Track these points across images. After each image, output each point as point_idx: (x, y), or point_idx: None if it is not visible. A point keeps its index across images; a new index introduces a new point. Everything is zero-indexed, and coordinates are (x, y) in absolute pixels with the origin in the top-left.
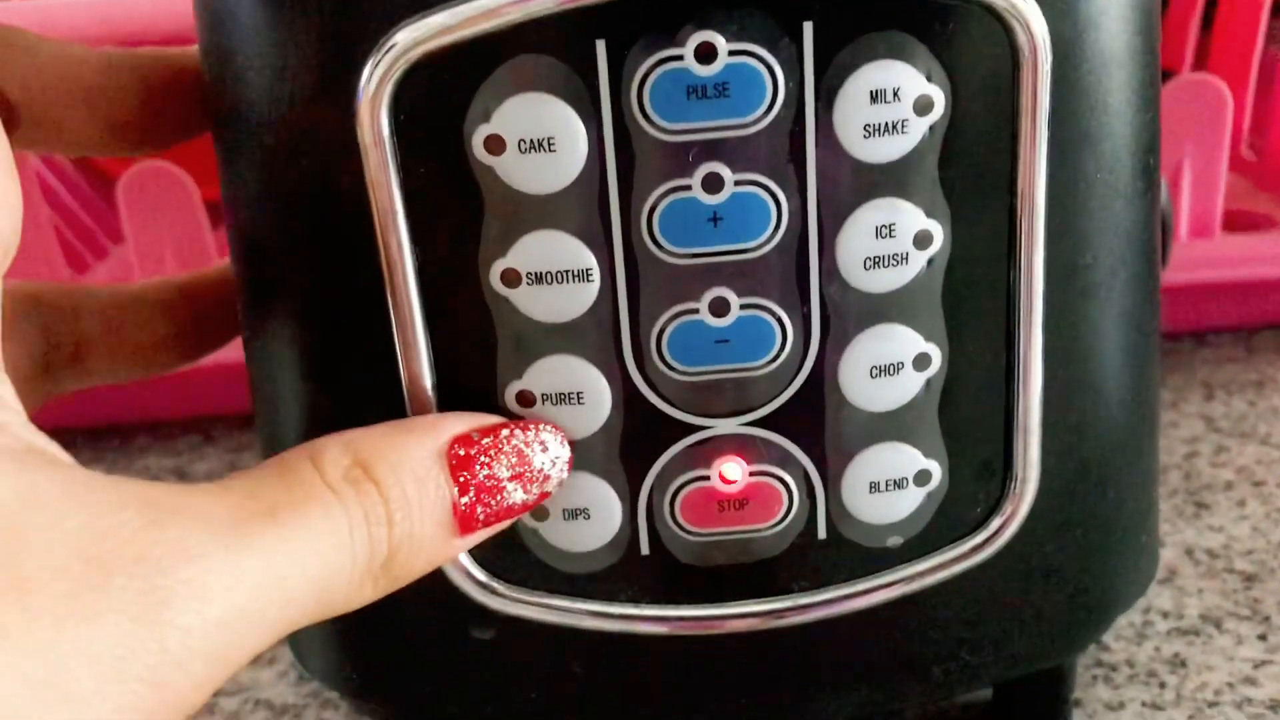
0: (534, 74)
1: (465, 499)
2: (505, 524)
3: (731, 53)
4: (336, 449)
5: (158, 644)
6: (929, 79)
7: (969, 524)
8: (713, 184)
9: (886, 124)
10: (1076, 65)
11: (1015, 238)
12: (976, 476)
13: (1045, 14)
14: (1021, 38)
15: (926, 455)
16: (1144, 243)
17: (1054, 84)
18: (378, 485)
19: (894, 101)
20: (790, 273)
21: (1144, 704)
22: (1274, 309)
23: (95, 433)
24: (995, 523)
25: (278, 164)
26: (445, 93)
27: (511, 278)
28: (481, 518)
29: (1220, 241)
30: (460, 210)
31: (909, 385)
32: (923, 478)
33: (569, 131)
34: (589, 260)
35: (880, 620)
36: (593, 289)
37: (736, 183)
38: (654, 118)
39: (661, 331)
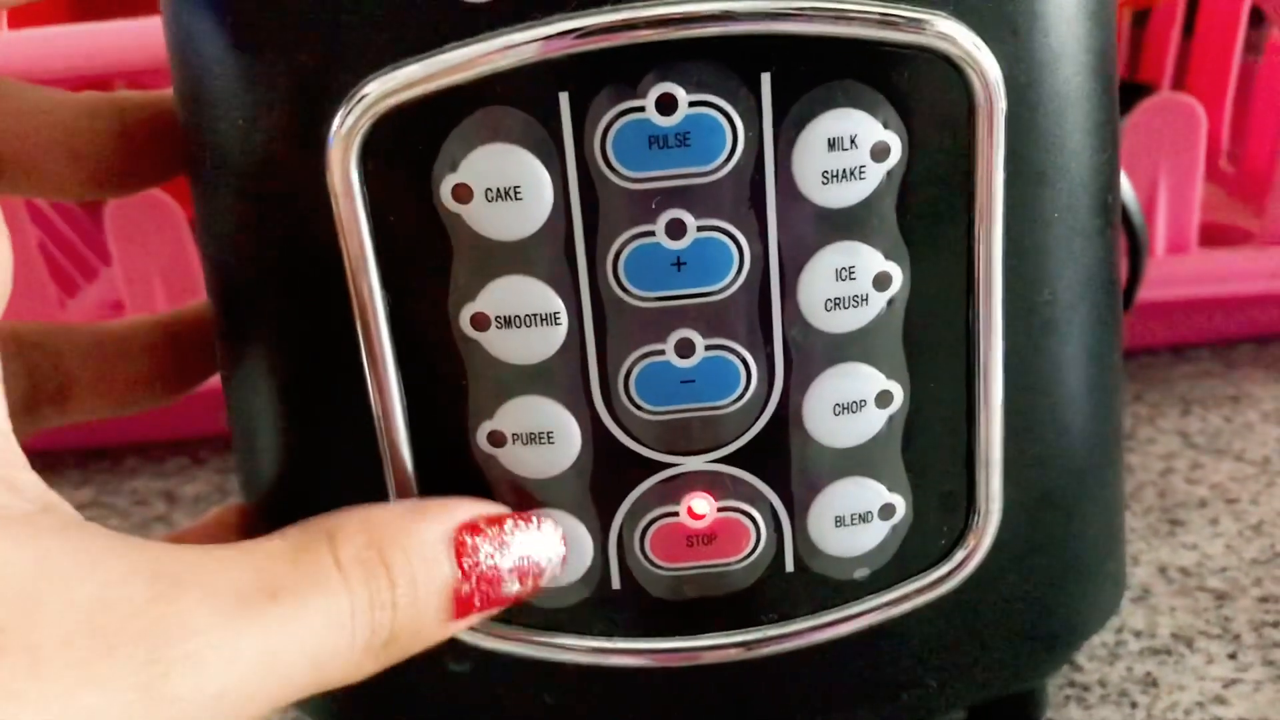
0: (500, 125)
1: (467, 586)
2: (495, 612)
3: (692, 103)
4: (354, 528)
5: (158, 713)
6: (885, 126)
7: (934, 555)
8: (676, 230)
9: (844, 170)
10: (1032, 109)
11: (974, 277)
12: (940, 509)
13: (999, 59)
14: (976, 84)
15: (890, 489)
16: (1104, 278)
17: (1009, 127)
18: (388, 569)
19: (851, 148)
20: (754, 314)
21: None
22: (1250, 323)
23: (84, 455)
24: (960, 554)
25: (249, 210)
26: (414, 142)
27: (481, 321)
28: (478, 605)
29: (1196, 257)
30: (429, 256)
31: (872, 422)
32: (887, 511)
33: (534, 180)
34: (556, 304)
35: (850, 649)
36: (560, 332)
37: (699, 228)
38: (617, 166)
39: (629, 372)
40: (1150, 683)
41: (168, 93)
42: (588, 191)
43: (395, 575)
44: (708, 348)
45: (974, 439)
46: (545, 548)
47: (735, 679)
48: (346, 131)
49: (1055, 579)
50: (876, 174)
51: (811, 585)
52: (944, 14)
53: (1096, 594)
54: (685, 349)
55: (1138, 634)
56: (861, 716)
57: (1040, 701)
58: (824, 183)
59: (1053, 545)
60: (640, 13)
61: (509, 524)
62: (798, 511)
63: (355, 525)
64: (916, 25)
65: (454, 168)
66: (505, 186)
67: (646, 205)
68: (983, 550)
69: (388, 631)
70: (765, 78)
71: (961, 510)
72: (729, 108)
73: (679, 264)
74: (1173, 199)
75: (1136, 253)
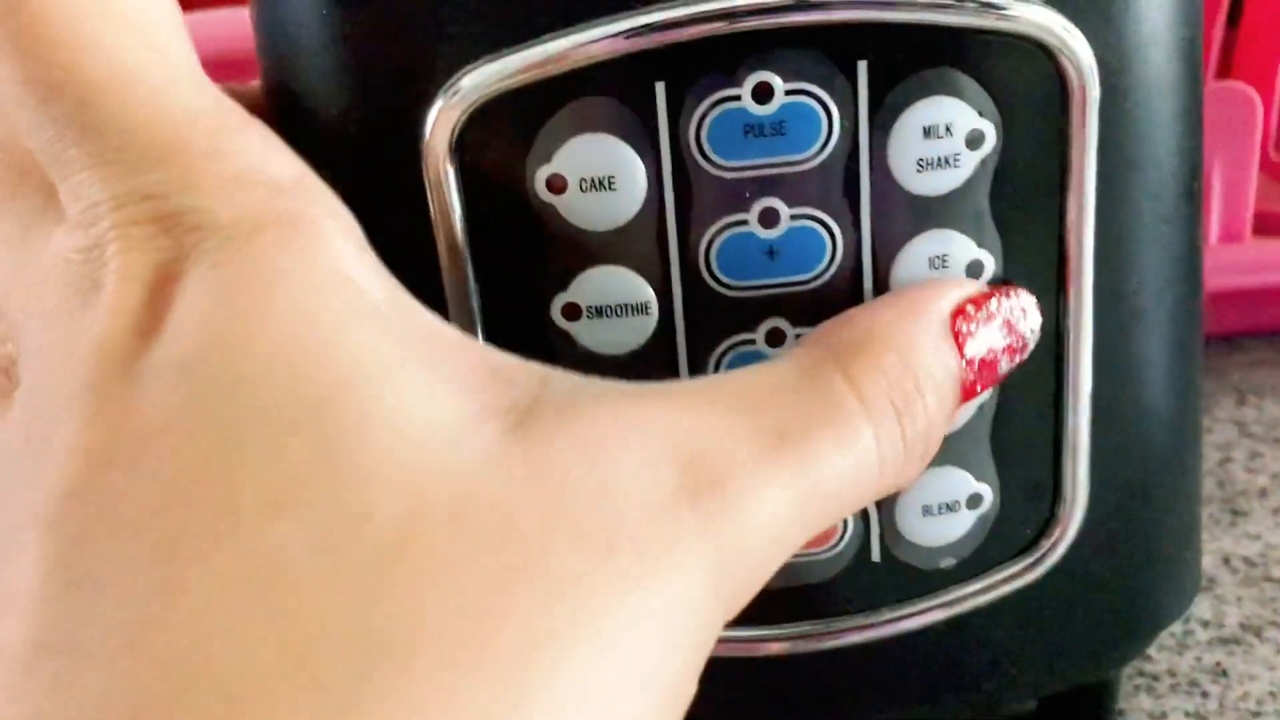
0: (595, 115)
1: (970, 374)
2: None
3: (788, 92)
4: (859, 340)
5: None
6: (980, 113)
7: (1020, 544)
8: (769, 218)
9: (939, 158)
10: (1124, 95)
11: (1064, 265)
12: (1027, 498)
13: (1092, 46)
14: (1070, 70)
15: (978, 479)
16: (1189, 265)
17: (1101, 114)
18: (916, 381)
19: (946, 136)
20: (846, 303)
21: (1187, 714)
22: None
23: None
24: (1045, 543)
25: (343, 198)
26: (508, 134)
27: (572, 311)
28: (979, 390)
29: (1251, 246)
30: (522, 247)
31: (962, 411)
32: (975, 500)
33: (629, 170)
34: (647, 294)
35: (931, 639)
36: (651, 321)
37: (793, 217)
38: (712, 156)
39: (719, 363)
40: (1220, 672)
41: (242, 86)
42: (681, 181)
43: (922, 385)
44: (799, 338)
45: (1061, 428)
46: (1027, 318)
47: (816, 669)
48: (442, 124)
49: (1137, 567)
50: (971, 162)
51: (896, 574)
52: (1038, 1)
53: (1176, 582)
54: (776, 339)
55: (1205, 624)
56: (942, 707)
57: (1112, 691)
58: (919, 170)
59: (1136, 534)
60: (738, 1)
61: (994, 302)
62: (885, 501)
63: (859, 337)
64: (1012, 12)
65: (548, 158)
66: (600, 176)
67: (740, 194)
68: (1068, 539)
69: (922, 443)
70: (862, 66)
71: (1048, 499)
72: (825, 96)
73: (771, 253)
74: (1227, 188)
75: None
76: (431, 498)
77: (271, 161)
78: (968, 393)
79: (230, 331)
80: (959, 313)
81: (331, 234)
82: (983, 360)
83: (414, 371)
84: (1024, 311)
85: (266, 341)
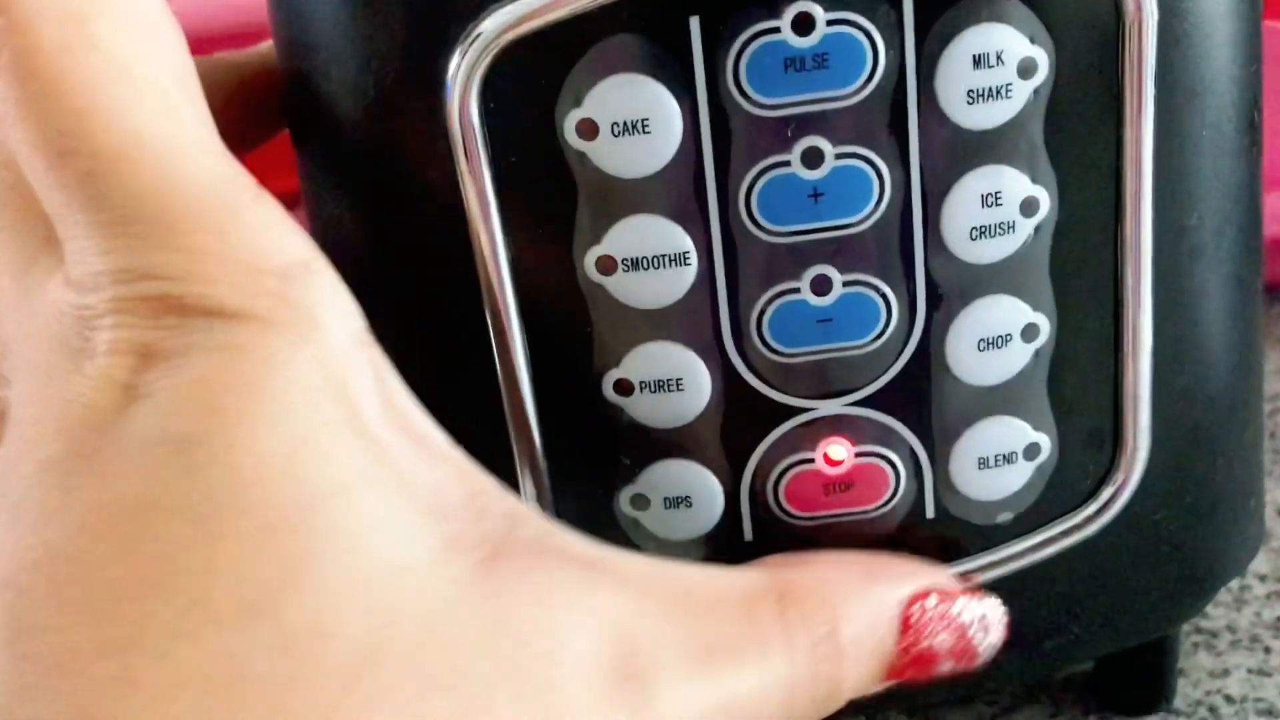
0: (626, 55)
1: (902, 662)
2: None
3: (830, 22)
4: (808, 589)
5: None
6: (1032, 41)
7: (1080, 495)
8: (813, 158)
9: (990, 89)
10: (1181, 19)
11: (1122, 200)
12: (1086, 447)
13: None
14: None
15: (1035, 428)
16: (1249, 199)
17: (1159, 40)
18: (839, 646)
19: (997, 65)
20: (894, 247)
21: (1249, 670)
22: None
23: None
24: (1106, 493)
25: (363, 157)
26: (535, 78)
27: (607, 265)
28: (903, 678)
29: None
30: (553, 199)
31: (1017, 357)
32: (1032, 451)
33: (663, 112)
34: (685, 244)
35: None
36: (690, 273)
37: (837, 156)
38: (751, 93)
39: (762, 313)
40: None
41: (255, 52)
42: (719, 122)
43: (846, 652)
44: (845, 284)
45: (1121, 372)
46: (988, 634)
47: None
48: (465, 71)
49: (1201, 518)
50: (1023, 92)
51: (953, 530)
52: None
53: (1241, 533)
54: (822, 286)
55: (1262, 578)
56: (1004, 667)
57: (1173, 649)
58: (969, 103)
59: (1199, 482)
60: None
61: (959, 603)
62: (939, 454)
63: (809, 586)
64: None
65: (578, 103)
66: (633, 120)
67: (782, 133)
68: (1129, 489)
69: (825, 699)
70: None
71: (1108, 448)
72: (869, 25)
73: (815, 195)
74: (1270, 133)
75: None
76: (395, 628)
77: (281, 245)
78: (893, 674)
79: (216, 425)
80: (917, 598)
81: (333, 334)
82: (920, 654)
83: (389, 494)
84: (985, 625)
85: (251, 442)
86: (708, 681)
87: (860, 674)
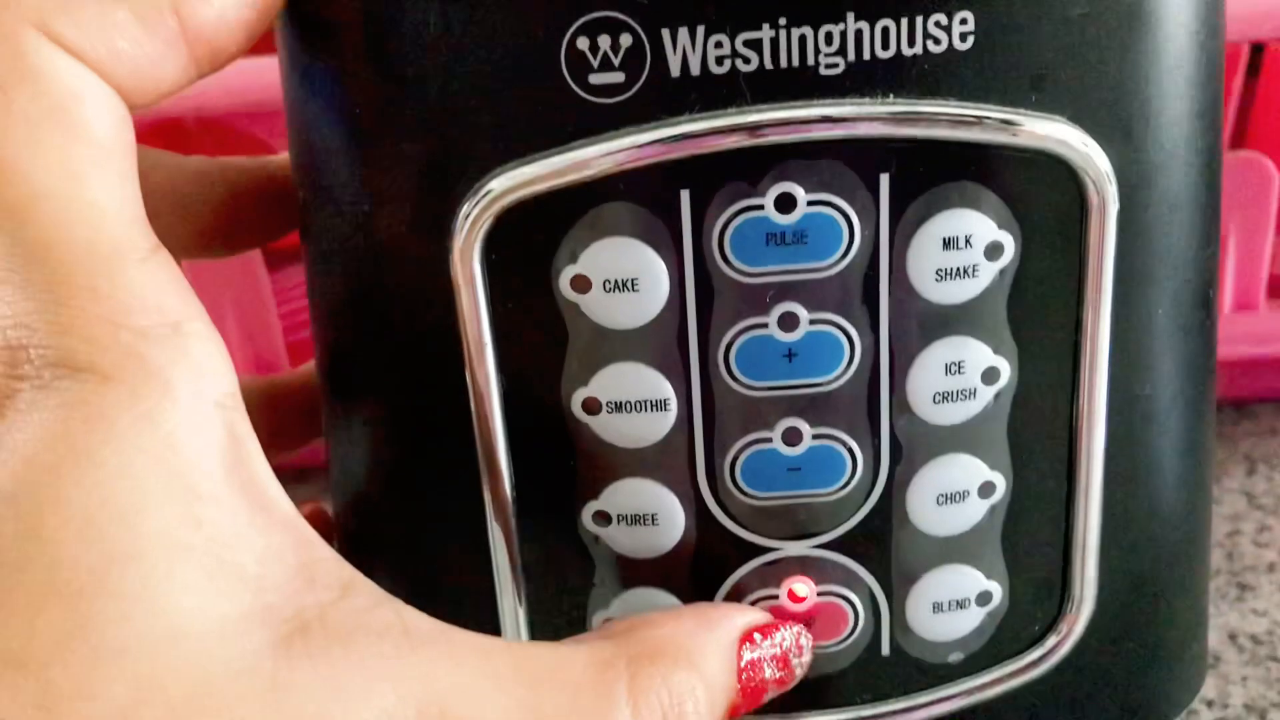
0: (620, 220)
1: (739, 699)
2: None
3: (810, 202)
4: (650, 651)
5: None
6: (999, 225)
7: (1028, 639)
8: (789, 322)
9: (958, 268)
10: (1143, 209)
11: (1079, 371)
12: (1036, 595)
13: (1112, 161)
14: (1089, 185)
15: (988, 576)
16: (1202, 370)
17: (1120, 226)
18: (681, 704)
19: (966, 248)
20: (861, 406)
21: None
22: None
23: None
24: (1053, 638)
25: (368, 292)
26: (536, 235)
27: (592, 405)
28: (739, 712)
29: (1265, 316)
30: (546, 342)
31: (974, 511)
32: (984, 598)
33: (652, 273)
34: (667, 391)
35: None
36: (670, 418)
37: (812, 321)
38: (734, 261)
39: (735, 459)
40: None
41: (273, 159)
42: (703, 284)
43: (699, 698)
44: (815, 437)
45: (1072, 527)
46: (802, 656)
47: None
48: (471, 223)
49: (1145, 662)
50: (989, 272)
51: (906, 668)
52: (1060, 118)
53: (1183, 675)
54: (793, 437)
55: (1209, 704)
56: None
57: None
58: (938, 280)
59: (1144, 629)
60: (764, 115)
61: (779, 634)
62: (896, 597)
63: (656, 645)
64: (1032, 129)
65: (574, 259)
66: (623, 278)
67: (761, 298)
68: (1076, 635)
69: None
70: (884, 178)
71: (1056, 596)
72: (847, 207)
73: (790, 355)
74: (1241, 257)
75: None
76: (159, 693)
77: (157, 305)
78: (731, 712)
79: (29, 482)
80: (746, 638)
81: (180, 393)
82: (753, 686)
83: (195, 560)
84: (800, 648)
85: (56, 503)
86: None
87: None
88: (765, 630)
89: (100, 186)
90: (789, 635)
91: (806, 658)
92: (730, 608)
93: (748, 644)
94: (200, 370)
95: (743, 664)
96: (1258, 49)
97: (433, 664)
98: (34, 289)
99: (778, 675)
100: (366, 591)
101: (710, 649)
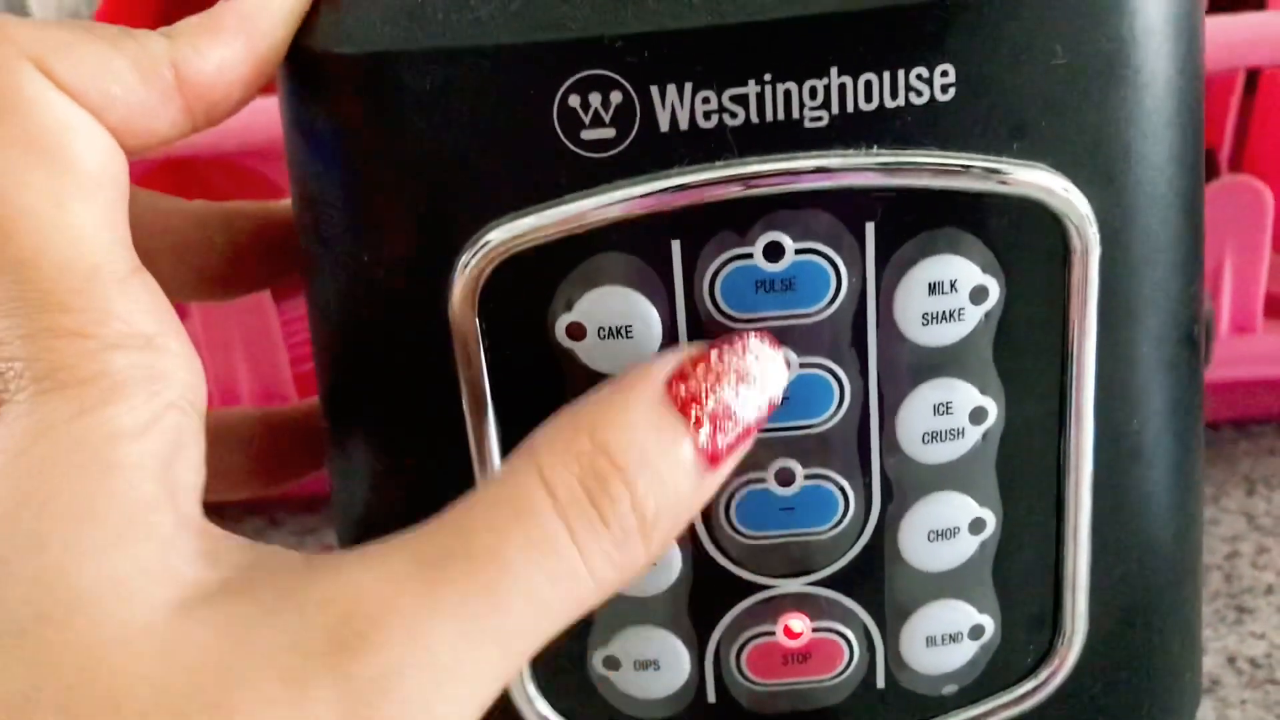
0: (614, 269)
1: (703, 433)
2: (749, 444)
3: (798, 250)
4: (559, 431)
5: None
6: (984, 270)
7: (1020, 672)
8: None
9: (944, 312)
10: (1125, 250)
11: (1066, 409)
12: (1028, 628)
13: (1093, 206)
14: (1072, 230)
15: (980, 611)
16: (1188, 403)
17: (1102, 269)
18: (611, 457)
19: (951, 292)
20: (852, 446)
21: None
22: None
23: None
24: (1045, 671)
25: (368, 338)
26: (531, 284)
27: None
28: (724, 446)
29: (1262, 338)
30: (542, 389)
31: (965, 547)
32: (977, 632)
33: (645, 320)
34: None
35: None
36: None
37: (802, 365)
38: (724, 308)
39: (730, 499)
40: None
41: (276, 205)
42: (695, 330)
43: (623, 462)
44: (807, 477)
45: (1062, 561)
46: (759, 360)
47: None
48: (469, 274)
49: (1137, 693)
50: (975, 315)
51: (901, 701)
52: (1042, 165)
53: (1175, 705)
54: (786, 478)
55: None
56: None
57: None
58: (924, 324)
59: (1135, 661)
60: (752, 168)
61: (713, 355)
62: (890, 632)
63: (557, 425)
64: (1015, 176)
65: (569, 308)
66: (617, 325)
67: None
68: (1068, 666)
69: (644, 525)
70: (869, 227)
71: (1048, 629)
72: (834, 254)
73: (782, 398)
74: (1238, 280)
75: (1206, 335)
76: (53, 670)
77: (125, 321)
78: (714, 457)
79: None
80: (677, 377)
81: (135, 396)
82: (713, 414)
83: (112, 524)
84: (756, 355)
85: (11, 491)
86: (455, 599)
87: (669, 479)
88: (698, 359)
89: (83, 211)
90: (731, 350)
91: (770, 357)
92: (645, 362)
93: (680, 381)
94: (162, 376)
95: (685, 403)
96: (1254, 72)
97: (332, 576)
98: (8, 304)
99: (743, 391)
100: (282, 552)
101: (622, 408)
